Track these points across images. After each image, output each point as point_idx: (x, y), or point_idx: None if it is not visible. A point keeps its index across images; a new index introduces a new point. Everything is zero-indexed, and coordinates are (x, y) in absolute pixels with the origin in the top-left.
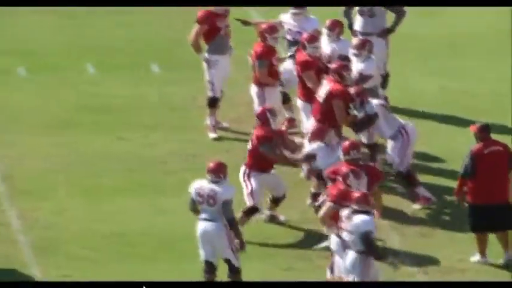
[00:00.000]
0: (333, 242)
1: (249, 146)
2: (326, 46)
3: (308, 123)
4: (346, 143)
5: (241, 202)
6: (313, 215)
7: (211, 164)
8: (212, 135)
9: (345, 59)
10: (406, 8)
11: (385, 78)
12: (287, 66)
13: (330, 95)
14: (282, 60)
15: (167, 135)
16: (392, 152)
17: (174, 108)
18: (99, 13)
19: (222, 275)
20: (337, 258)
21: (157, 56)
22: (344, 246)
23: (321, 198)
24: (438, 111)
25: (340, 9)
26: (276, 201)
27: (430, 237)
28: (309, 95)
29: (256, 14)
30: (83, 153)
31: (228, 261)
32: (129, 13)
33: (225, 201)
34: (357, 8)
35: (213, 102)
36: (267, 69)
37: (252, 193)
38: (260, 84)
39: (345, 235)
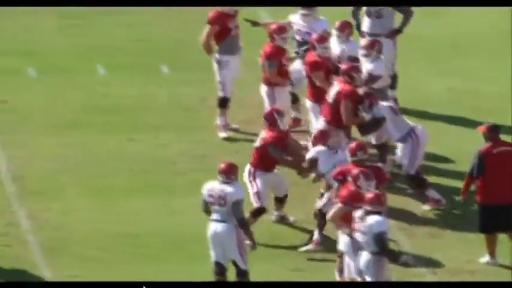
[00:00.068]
0: (342, 243)
1: (256, 144)
2: (335, 47)
3: (317, 124)
4: (353, 144)
5: (247, 202)
6: None
7: (222, 165)
8: (222, 134)
9: (354, 60)
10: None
11: (393, 79)
12: (296, 67)
13: (339, 95)
14: (291, 60)
15: (177, 136)
16: (402, 154)
17: (183, 108)
18: (105, 13)
19: (231, 275)
20: (347, 260)
21: (167, 57)
22: (354, 247)
23: (320, 202)
24: (446, 112)
25: (349, 10)
26: (280, 201)
27: (439, 237)
28: (317, 96)
29: (265, 15)
30: (93, 154)
31: (235, 263)
32: (134, 13)
33: (235, 202)
34: (364, 9)
35: (223, 103)
36: (276, 69)
37: (258, 194)
38: (270, 84)
39: (358, 236)
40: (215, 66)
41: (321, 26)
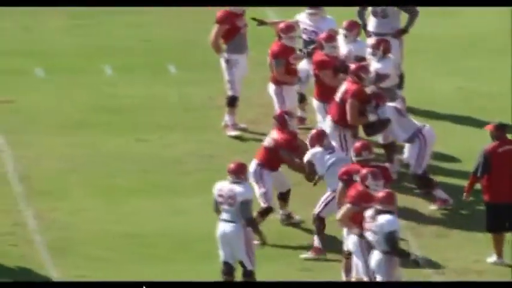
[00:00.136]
0: (351, 242)
1: (266, 144)
2: (343, 47)
3: (324, 124)
4: (358, 144)
5: (254, 202)
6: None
7: (232, 165)
8: (232, 133)
9: (361, 60)
10: (419, 9)
11: (400, 79)
12: (302, 66)
13: (346, 94)
14: (299, 59)
15: (184, 136)
16: (409, 155)
17: (191, 108)
18: (113, 13)
19: (238, 274)
20: (355, 259)
21: (174, 57)
22: (363, 247)
23: (317, 207)
24: (454, 112)
25: (354, 10)
26: (284, 198)
27: (446, 237)
28: (324, 95)
29: (272, 14)
30: (100, 154)
31: (242, 264)
32: (141, 13)
33: (243, 201)
34: (370, 9)
35: (232, 102)
36: (284, 68)
37: (266, 194)
38: (278, 83)
39: (369, 235)
40: (224, 65)
41: (328, 25)
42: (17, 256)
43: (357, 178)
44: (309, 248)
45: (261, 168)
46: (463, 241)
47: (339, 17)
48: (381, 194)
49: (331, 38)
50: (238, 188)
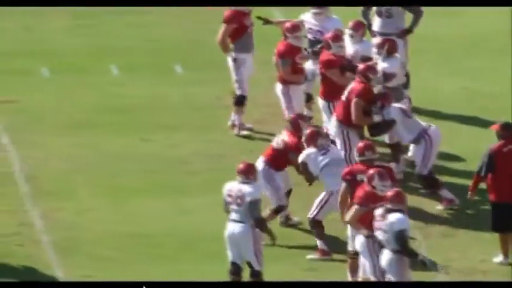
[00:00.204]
0: (358, 243)
1: (275, 144)
2: (349, 47)
3: (330, 124)
4: (361, 144)
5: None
6: (333, 214)
7: (241, 165)
8: (241, 132)
9: (367, 59)
10: (423, 8)
11: (407, 79)
12: (308, 66)
13: (351, 93)
14: (305, 58)
15: (191, 136)
16: (415, 155)
17: (197, 108)
18: (118, 13)
19: (246, 274)
20: (362, 260)
21: (180, 57)
22: (370, 247)
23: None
24: (459, 112)
25: (358, 10)
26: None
27: (452, 237)
28: (330, 94)
29: (278, 14)
30: (106, 154)
31: (250, 264)
32: (147, 13)
33: (252, 201)
34: (374, 9)
35: (241, 101)
36: (290, 68)
37: (278, 193)
38: (285, 82)
39: (379, 234)
40: (231, 64)
41: (333, 24)
42: (23, 256)
43: (363, 178)
44: (314, 248)
45: (269, 168)
46: (470, 241)
47: (343, 16)
48: (390, 192)
49: (338, 37)
50: (247, 188)
